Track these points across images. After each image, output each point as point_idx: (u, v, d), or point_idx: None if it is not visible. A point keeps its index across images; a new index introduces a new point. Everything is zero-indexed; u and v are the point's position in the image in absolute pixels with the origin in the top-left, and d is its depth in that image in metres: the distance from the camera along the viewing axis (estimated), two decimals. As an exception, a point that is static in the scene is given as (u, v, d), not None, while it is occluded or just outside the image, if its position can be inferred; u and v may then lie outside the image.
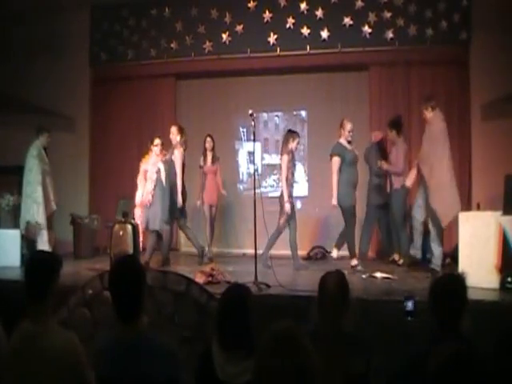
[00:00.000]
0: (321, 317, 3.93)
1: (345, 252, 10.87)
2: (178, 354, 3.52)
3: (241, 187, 12.80)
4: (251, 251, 8.70)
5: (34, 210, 10.35)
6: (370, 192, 10.41)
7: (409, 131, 11.08)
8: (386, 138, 10.56)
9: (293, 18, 11.83)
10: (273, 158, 12.66)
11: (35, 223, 10.34)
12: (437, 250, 8.78)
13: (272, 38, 11.95)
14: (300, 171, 12.37)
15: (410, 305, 5.07)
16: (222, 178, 11.27)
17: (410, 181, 9.29)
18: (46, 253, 3.98)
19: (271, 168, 12.72)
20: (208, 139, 10.96)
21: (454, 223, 8.64)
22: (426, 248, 9.33)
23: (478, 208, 8.61)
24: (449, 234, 10.40)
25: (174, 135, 10.30)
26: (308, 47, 11.80)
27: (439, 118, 8.84)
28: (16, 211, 11.03)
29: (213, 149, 10.97)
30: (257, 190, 8.41)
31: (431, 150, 8.64)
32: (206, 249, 10.68)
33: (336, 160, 9.37)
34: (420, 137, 10.20)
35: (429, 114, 8.88)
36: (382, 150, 10.42)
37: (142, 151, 11.41)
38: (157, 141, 10.11)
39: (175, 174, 10.10)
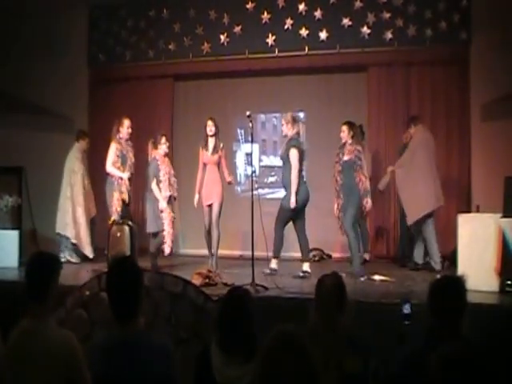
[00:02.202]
0: (318, 318, 3.93)
1: (345, 254, 10.92)
2: (174, 354, 3.51)
3: (238, 189, 12.76)
4: (248, 253, 8.69)
5: (80, 212, 10.67)
6: None
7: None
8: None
9: (291, 18, 11.80)
10: (270, 160, 12.64)
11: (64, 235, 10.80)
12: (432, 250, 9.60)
13: (270, 39, 11.92)
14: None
15: (407, 308, 5.03)
16: (228, 170, 9.98)
17: (382, 185, 10.19)
18: (46, 253, 3.98)
19: (269, 169, 12.70)
20: (209, 123, 9.68)
21: (453, 225, 8.66)
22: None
23: (478, 210, 8.59)
24: (448, 237, 10.38)
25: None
26: (306, 48, 11.76)
27: (421, 131, 9.87)
28: (15, 212, 11.03)
29: (215, 135, 9.69)
30: (254, 192, 8.39)
31: (412, 158, 9.62)
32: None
33: None
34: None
35: (412, 129, 9.95)
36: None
37: (140, 151, 11.41)
38: (164, 139, 9.82)
39: None
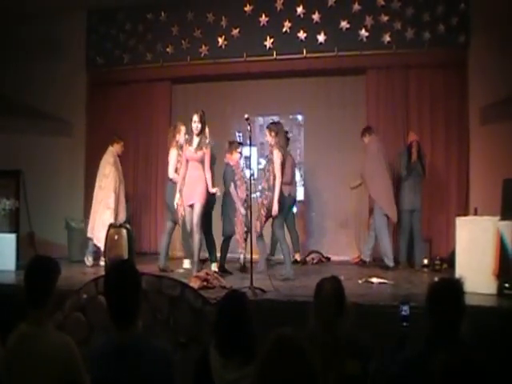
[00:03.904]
0: (317, 322, 3.93)
1: (343, 257, 10.92)
2: (172, 357, 3.51)
3: (237, 191, 12.73)
4: (247, 256, 8.66)
5: (108, 215, 10.52)
6: (402, 197, 10.48)
7: (407, 135, 11.02)
8: (415, 141, 10.38)
9: (289, 21, 11.79)
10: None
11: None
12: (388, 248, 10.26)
13: (268, 42, 11.91)
14: (296, 175, 12.35)
15: (405, 310, 5.01)
16: (212, 172, 9.15)
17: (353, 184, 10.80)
18: (45, 258, 3.97)
19: (267, 172, 12.68)
20: (194, 118, 8.87)
21: (451, 227, 8.68)
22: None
23: (476, 213, 8.59)
24: (446, 239, 10.40)
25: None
26: (305, 51, 11.75)
27: (375, 140, 10.53)
28: (12, 215, 11.02)
29: (201, 131, 8.89)
30: (252, 195, 8.38)
31: (370, 166, 10.34)
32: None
33: None
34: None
35: (366, 139, 10.55)
36: (409, 153, 10.33)
37: (138, 154, 11.46)
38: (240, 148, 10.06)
39: None
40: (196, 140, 8.87)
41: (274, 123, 9.29)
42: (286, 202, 9.64)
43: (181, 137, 9.74)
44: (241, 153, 10.18)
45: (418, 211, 10.29)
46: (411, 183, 10.24)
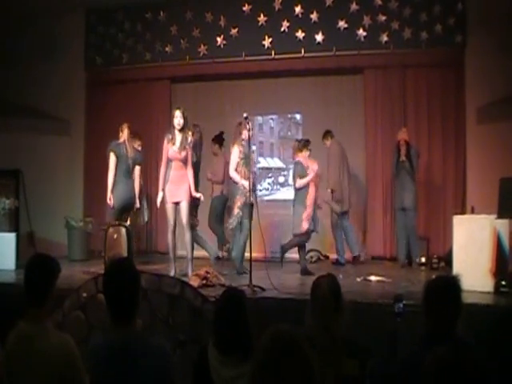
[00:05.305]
0: (314, 320, 3.93)
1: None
2: (172, 356, 3.52)
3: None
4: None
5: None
6: (394, 196, 10.71)
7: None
8: (402, 140, 10.38)
9: (288, 21, 11.83)
10: (268, 162, 12.66)
11: None
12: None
13: (267, 42, 11.94)
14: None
15: (400, 306, 5.05)
16: (192, 171, 8.82)
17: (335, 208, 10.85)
18: (45, 256, 3.98)
19: (266, 171, 12.71)
20: (176, 113, 8.57)
21: (449, 226, 8.72)
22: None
23: (473, 211, 8.63)
24: (443, 238, 10.43)
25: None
26: (303, 50, 11.80)
27: (336, 143, 10.94)
28: (12, 214, 11.02)
29: (183, 128, 8.61)
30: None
31: (331, 167, 10.77)
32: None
33: None
34: (415, 140, 10.35)
35: (328, 141, 10.97)
36: (398, 152, 10.39)
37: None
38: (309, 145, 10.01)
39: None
40: (179, 138, 8.58)
41: (194, 125, 9.44)
42: (219, 200, 10.04)
43: (245, 132, 8.98)
44: (310, 150, 10.02)
45: (411, 210, 10.28)
46: (401, 182, 10.30)
